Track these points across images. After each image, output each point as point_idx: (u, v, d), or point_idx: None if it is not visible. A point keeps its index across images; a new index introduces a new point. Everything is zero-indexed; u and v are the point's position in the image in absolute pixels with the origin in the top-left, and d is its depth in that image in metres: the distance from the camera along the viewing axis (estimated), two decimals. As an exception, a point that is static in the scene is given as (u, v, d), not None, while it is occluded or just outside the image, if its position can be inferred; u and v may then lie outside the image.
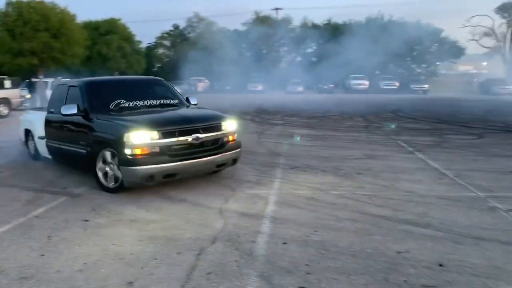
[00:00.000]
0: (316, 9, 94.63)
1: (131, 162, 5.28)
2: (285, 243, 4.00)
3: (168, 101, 6.81)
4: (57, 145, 6.83)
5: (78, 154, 6.20)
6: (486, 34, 47.27)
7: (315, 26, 49.79)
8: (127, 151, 5.30)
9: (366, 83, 40.51)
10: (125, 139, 5.29)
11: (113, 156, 5.56)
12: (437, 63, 52.18)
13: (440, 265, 3.48)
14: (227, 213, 4.89)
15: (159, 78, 7.80)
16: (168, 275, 3.37)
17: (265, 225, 4.51)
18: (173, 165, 5.41)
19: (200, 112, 6.70)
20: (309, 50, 50.22)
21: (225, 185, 6.09)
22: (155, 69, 51.92)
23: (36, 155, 7.81)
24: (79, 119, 6.13)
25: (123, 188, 5.56)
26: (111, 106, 6.21)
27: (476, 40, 47.67)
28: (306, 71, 39.77)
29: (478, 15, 45.93)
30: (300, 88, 39.85)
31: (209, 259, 3.65)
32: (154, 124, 5.50)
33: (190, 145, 5.62)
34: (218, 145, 6.00)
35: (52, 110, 7.08)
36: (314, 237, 4.13)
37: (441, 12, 79.10)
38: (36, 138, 7.55)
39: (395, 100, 26.57)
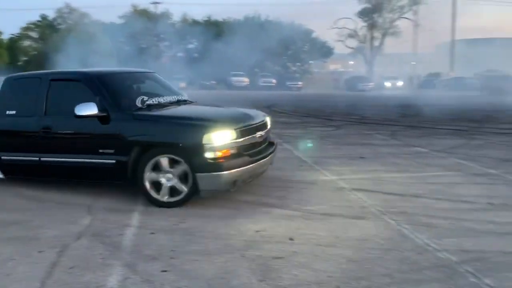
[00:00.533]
0: (195, 5, 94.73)
1: (214, 167, 4.55)
2: (152, 233, 4.15)
3: (180, 97, 5.98)
4: (24, 158, 5.38)
5: (95, 166, 5.05)
6: (350, 36, 52.21)
7: (195, 22, 49.94)
8: (208, 155, 4.57)
9: (246, 80, 42.12)
10: (204, 141, 4.55)
11: (173, 162, 4.71)
12: (310, 61, 56.24)
13: (291, 239, 3.97)
14: (95, 209, 4.86)
15: (152, 71, 6.79)
16: (27, 274, 3.30)
17: (134, 218, 4.61)
18: (251, 167, 4.90)
19: (238, 108, 6.07)
20: (191, 46, 50.20)
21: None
22: (20, 63, 47.06)
23: None
24: (93, 121, 4.92)
25: (183, 202, 4.80)
26: (138, 103, 5.19)
27: (342, 41, 52.40)
28: (188, 67, 39.77)
29: (344, 18, 50.59)
30: (183, 84, 39.64)
31: (72, 254, 3.65)
32: (230, 122, 4.93)
33: (256, 144, 5.21)
34: (268, 143, 5.71)
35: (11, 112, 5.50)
36: (182, 225, 4.36)
37: (312, 15, 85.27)
38: None
39: (271, 96, 28.16)
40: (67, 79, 5.61)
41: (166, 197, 4.78)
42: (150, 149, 4.79)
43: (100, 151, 4.97)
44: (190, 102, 6.02)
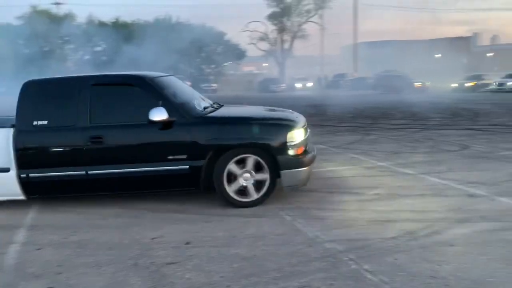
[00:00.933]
0: (100, 6, 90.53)
1: (296, 163, 4.81)
2: (39, 248, 3.89)
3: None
4: (65, 173, 4.75)
5: (164, 174, 4.76)
6: (262, 39, 53.48)
7: (102, 24, 47.72)
8: (290, 152, 4.78)
9: (158, 82, 41.13)
10: (288, 139, 4.77)
11: (253, 162, 4.76)
12: (224, 64, 56.65)
13: (187, 243, 3.95)
14: (-26, 228, 4.44)
15: (171, 74, 6.43)
16: None
17: (20, 234, 4.28)
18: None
19: (284, 109, 6.27)
20: (98, 48, 47.87)
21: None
22: None
23: None
24: (155, 127, 4.67)
25: (266, 197, 4.91)
26: (197, 106, 5.15)
27: (254, 44, 53.50)
28: (96, 70, 37.81)
29: (254, 21, 51.74)
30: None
31: None
32: (298, 121, 5.20)
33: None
34: None
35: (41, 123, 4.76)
36: (72, 238, 4.14)
37: (224, 17, 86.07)
38: None
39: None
40: (115, 84, 5.14)
41: (256, 195, 4.85)
42: (228, 151, 4.75)
43: (170, 157, 4.76)
44: (221, 105, 5.93)
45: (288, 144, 4.79)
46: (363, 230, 4.15)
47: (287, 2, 50.55)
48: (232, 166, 4.73)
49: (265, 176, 4.80)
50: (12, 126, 4.74)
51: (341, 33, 67.78)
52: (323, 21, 52.17)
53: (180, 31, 43.06)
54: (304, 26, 52.25)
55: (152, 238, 4.09)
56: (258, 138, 4.81)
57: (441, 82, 35.29)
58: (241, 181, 4.80)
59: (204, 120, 4.94)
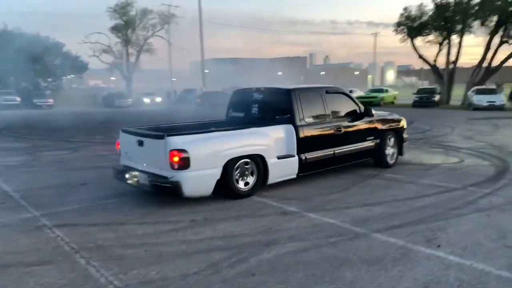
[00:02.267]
0: None
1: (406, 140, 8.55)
2: None
3: None
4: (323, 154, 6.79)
5: (364, 149, 7.52)
6: (105, 51, 50.49)
7: None
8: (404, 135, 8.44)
9: (-18, 98, 35.44)
10: (404, 126, 8.48)
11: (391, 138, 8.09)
12: (64, 77, 51.96)
13: None
14: None
15: None
16: None
17: None
18: None
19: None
20: None
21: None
22: None
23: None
24: (358, 120, 7.44)
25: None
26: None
27: (97, 56, 50.22)
28: None
29: (96, 32, 48.61)
30: None
31: None
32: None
33: None
34: None
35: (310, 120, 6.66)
36: None
37: (62, 28, 79.26)
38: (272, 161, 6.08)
39: (12, 116, 24.41)
40: (335, 92, 7.29)
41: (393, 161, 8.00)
42: (387, 133, 7.78)
43: (367, 138, 7.48)
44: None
45: (404, 129, 8.33)
46: (166, 267, 3.72)
47: (131, 15, 48.80)
48: (388, 141, 7.89)
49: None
50: (288, 123, 6.38)
51: (190, 49, 67.88)
52: (170, 36, 51.83)
53: (9, 41, 38.02)
54: (151, 40, 51.04)
55: None
56: (397, 126, 8.11)
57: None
58: (390, 150, 7.97)
59: (375, 116, 7.57)
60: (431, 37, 31.32)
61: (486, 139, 11.66)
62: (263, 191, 6.25)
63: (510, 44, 28.69)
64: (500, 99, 23.85)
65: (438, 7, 29.60)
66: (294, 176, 6.42)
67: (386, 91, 34.34)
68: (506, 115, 19.79)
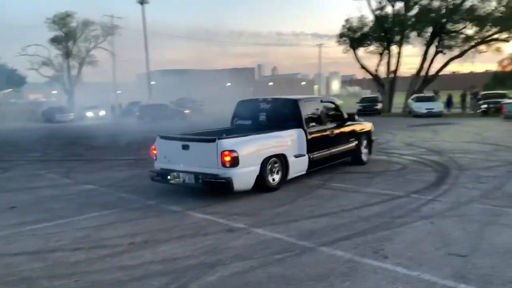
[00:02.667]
0: None
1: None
2: None
3: None
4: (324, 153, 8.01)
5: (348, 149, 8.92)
6: (44, 64, 48.13)
7: None
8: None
9: None
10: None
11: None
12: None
13: None
14: None
15: None
16: None
17: None
18: None
19: None
20: None
21: None
22: None
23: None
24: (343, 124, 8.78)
25: None
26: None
27: (36, 69, 47.75)
28: None
29: (34, 44, 46.23)
30: None
31: None
32: None
33: None
34: None
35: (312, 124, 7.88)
36: None
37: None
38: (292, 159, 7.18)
39: None
40: (325, 101, 8.75)
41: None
42: (362, 135, 9.20)
43: (350, 140, 8.78)
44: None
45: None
46: (99, 300, 3.38)
47: (72, 26, 46.92)
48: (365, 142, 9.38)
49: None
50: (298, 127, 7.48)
51: (136, 61, 66.56)
52: (113, 48, 50.34)
53: None
54: (93, 52, 49.24)
55: None
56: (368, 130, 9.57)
57: (231, 108, 37.78)
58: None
59: (355, 120, 9.14)
60: (372, 48, 32.58)
61: (426, 145, 12.09)
62: (209, 207, 6.01)
63: (445, 54, 30.46)
64: (438, 106, 25.10)
65: (377, 18, 30.84)
66: (304, 172, 7.49)
67: (332, 100, 35.24)
68: (443, 121, 20.81)
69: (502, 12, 27.04)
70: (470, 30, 29.29)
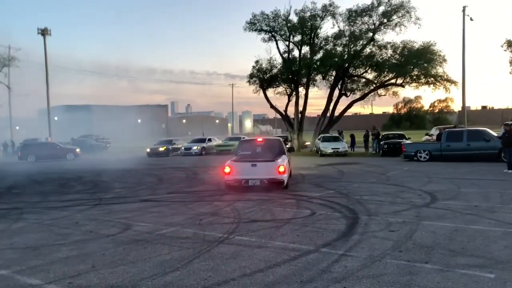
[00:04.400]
0: None
1: None
2: None
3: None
4: None
5: None
6: None
7: None
8: None
9: None
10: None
11: None
12: None
13: None
14: None
15: None
16: None
17: None
18: None
19: None
20: None
21: None
22: None
23: None
24: None
25: None
26: None
27: None
28: None
29: None
30: None
31: None
32: None
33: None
34: None
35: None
36: None
37: None
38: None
39: None
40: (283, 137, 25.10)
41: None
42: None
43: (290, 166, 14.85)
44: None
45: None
46: None
47: (-42, 55, 42.15)
48: None
49: None
50: (284, 154, 13.20)
51: (37, 94, 61.39)
52: (9, 81, 45.99)
53: None
54: (-16, 84, 44.46)
55: None
56: None
57: (141, 146, 36.16)
58: None
59: None
60: (280, 89, 33.44)
61: (334, 186, 11.90)
62: (77, 277, 4.78)
63: (348, 96, 32.14)
64: (343, 146, 25.98)
65: (285, 61, 31.80)
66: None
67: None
68: (348, 161, 21.35)
69: (397, 59, 29.38)
70: (370, 75, 31.40)
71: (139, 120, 77.37)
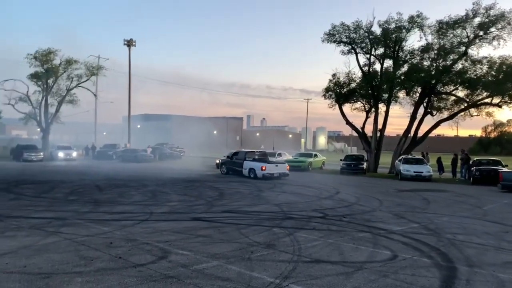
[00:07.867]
0: None
1: None
2: None
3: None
4: None
5: None
6: (22, 100, 45.96)
7: None
8: None
9: None
10: None
11: None
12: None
13: None
14: None
15: None
16: None
17: None
18: None
19: None
20: None
21: None
22: None
23: None
24: None
25: None
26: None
27: (12, 105, 45.44)
28: None
29: (12, 79, 44.28)
30: None
31: None
32: None
33: None
34: None
35: None
36: None
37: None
38: None
39: None
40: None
41: None
42: None
43: None
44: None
45: None
46: None
47: (54, 64, 45.22)
48: None
49: None
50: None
51: (123, 102, 65.09)
52: (96, 88, 48.67)
53: None
54: (75, 91, 47.18)
55: None
56: None
57: (213, 156, 36.17)
58: None
59: None
60: (358, 105, 31.27)
61: (419, 218, 9.97)
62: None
63: (434, 115, 29.16)
64: (427, 170, 23.26)
65: (365, 75, 29.74)
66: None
67: (316, 155, 33.14)
68: (433, 187, 18.87)
69: (494, 76, 26.08)
70: (460, 93, 28.27)
71: (215, 132, 78.63)
